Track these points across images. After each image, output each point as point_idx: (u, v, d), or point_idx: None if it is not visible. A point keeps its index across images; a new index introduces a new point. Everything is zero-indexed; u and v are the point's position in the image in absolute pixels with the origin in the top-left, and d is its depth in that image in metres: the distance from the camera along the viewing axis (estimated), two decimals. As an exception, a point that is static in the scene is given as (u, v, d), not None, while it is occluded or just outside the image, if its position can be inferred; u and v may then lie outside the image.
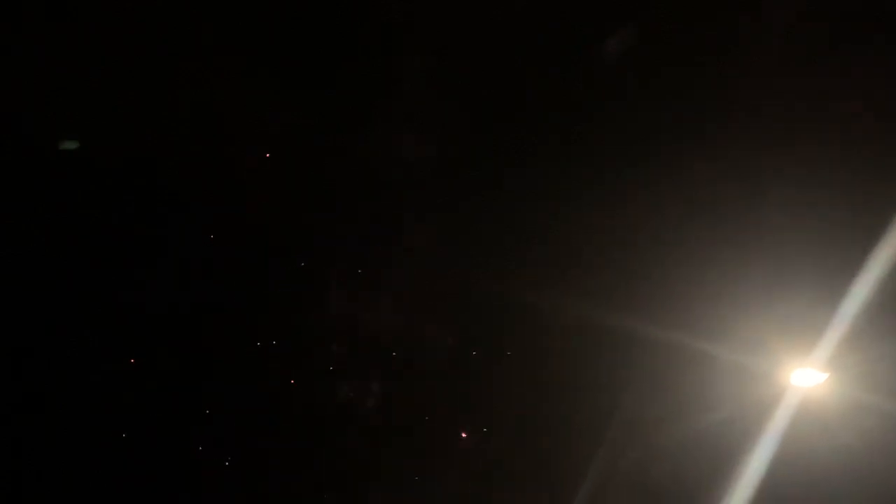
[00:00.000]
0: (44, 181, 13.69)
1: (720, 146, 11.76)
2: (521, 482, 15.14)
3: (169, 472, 14.50)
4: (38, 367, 13.71)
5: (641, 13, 12.01)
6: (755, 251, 11.61)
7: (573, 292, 12.61)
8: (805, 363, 11.79)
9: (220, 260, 13.74)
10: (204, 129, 12.93)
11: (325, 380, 14.58)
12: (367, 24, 13.06)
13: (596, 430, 14.07)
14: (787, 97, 11.78)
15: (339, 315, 14.46)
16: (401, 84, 13.09)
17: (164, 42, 12.57)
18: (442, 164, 13.22)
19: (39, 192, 13.57)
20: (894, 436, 12.12)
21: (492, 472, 14.89)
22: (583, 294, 12.60)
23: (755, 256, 11.63)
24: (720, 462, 12.90)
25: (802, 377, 11.88)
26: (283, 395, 14.44)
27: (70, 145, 13.66)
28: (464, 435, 15.00)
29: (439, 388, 13.97)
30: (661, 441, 13.86)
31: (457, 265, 13.34)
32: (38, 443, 13.57)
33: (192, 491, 14.54)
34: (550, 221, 12.61)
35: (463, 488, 14.44)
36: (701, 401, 12.70)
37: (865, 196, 10.96)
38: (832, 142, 11.14)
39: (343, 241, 13.73)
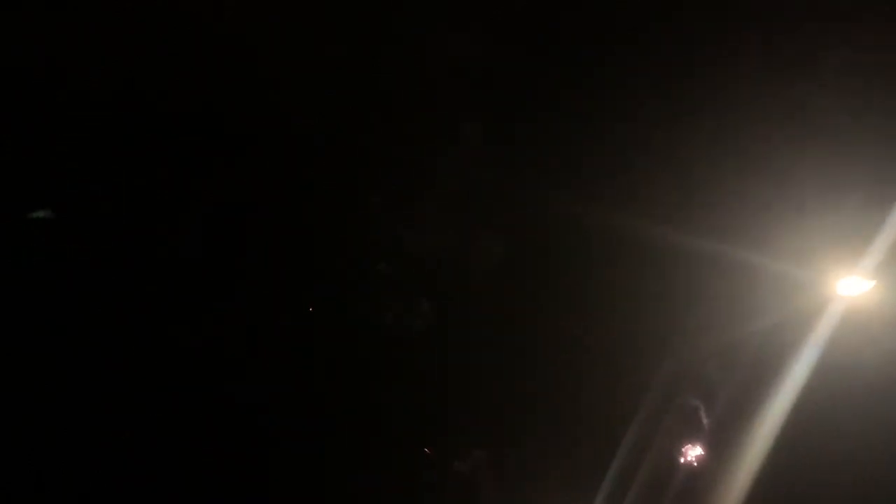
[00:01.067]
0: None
1: (769, 53, 11.50)
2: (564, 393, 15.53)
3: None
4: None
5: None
6: (801, 159, 11.42)
7: (620, 204, 12.63)
8: (851, 271, 11.67)
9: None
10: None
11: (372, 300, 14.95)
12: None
13: (641, 339, 14.25)
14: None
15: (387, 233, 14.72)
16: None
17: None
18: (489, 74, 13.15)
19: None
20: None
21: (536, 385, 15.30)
22: (629, 206, 12.62)
23: (801, 164, 11.45)
24: (764, 371, 13.01)
25: (849, 286, 11.79)
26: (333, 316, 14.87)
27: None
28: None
29: (483, 302, 14.25)
30: (706, 349, 14.00)
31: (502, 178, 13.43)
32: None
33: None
34: (593, 134, 12.57)
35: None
36: (745, 310, 12.74)
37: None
38: (887, 48, 10.80)
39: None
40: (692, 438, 16.55)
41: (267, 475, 14.67)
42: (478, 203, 13.85)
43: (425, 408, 14.98)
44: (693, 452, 16.61)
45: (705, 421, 16.23)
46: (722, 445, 14.72)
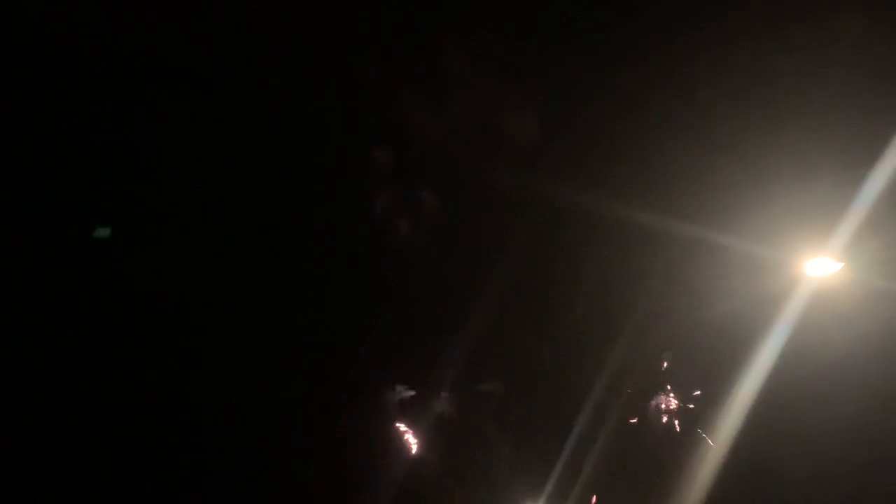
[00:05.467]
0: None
1: (738, 37, 11.37)
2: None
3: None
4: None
5: None
6: (770, 141, 11.36)
7: (587, 187, 12.55)
8: (819, 253, 11.66)
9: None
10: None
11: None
12: None
13: (613, 322, 14.26)
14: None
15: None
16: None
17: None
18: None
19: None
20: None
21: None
22: (596, 189, 12.53)
23: (770, 147, 11.39)
24: (734, 350, 13.05)
25: (817, 267, 11.78)
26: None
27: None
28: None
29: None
30: (676, 331, 14.03)
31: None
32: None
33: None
34: (558, 117, 12.46)
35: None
36: (714, 291, 12.74)
37: (886, 82, 10.59)
38: (853, 27, 10.69)
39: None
40: (662, 418, 16.71)
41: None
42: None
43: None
44: (664, 432, 16.79)
45: (675, 401, 16.36)
46: (692, 425, 14.85)
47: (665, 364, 15.46)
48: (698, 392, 15.04)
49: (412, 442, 18.16)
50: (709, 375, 14.04)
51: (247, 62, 12.73)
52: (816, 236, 11.65)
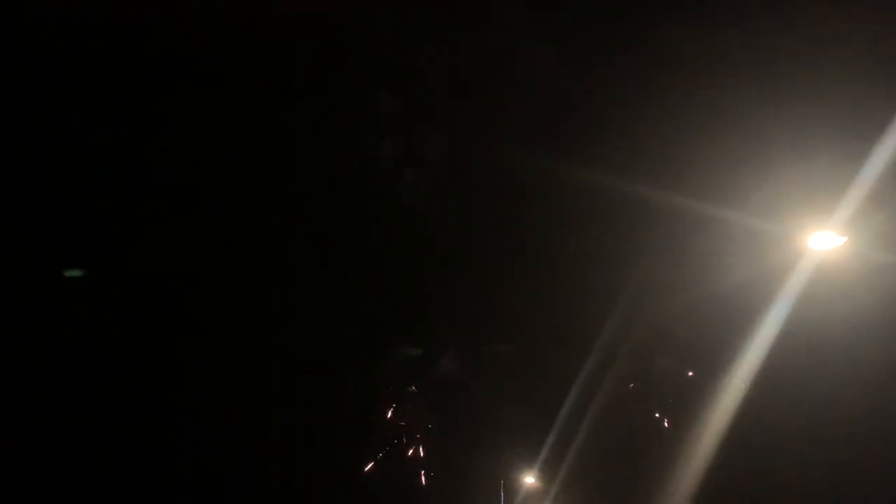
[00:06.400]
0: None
1: (740, 8, 11.23)
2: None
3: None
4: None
5: None
6: (773, 114, 11.26)
7: (591, 163, 12.49)
8: (823, 226, 11.60)
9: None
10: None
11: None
12: None
13: (615, 296, 14.28)
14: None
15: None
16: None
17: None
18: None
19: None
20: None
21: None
22: (600, 164, 12.48)
23: (773, 119, 11.29)
24: (736, 325, 13.06)
25: (820, 240, 11.73)
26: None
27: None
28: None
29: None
30: (679, 306, 14.03)
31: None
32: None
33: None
34: (561, 93, 12.34)
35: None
36: (718, 266, 12.73)
37: (892, 55, 10.46)
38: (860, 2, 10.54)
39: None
40: (665, 392, 16.81)
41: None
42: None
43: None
44: (666, 405, 16.90)
45: (679, 375, 16.43)
46: (693, 397, 14.90)
47: (667, 338, 15.53)
48: (700, 365, 15.12)
49: (414, 404, 18.31)
50: (711, 348, 14.06)
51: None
52: (819, 210, 11.58)
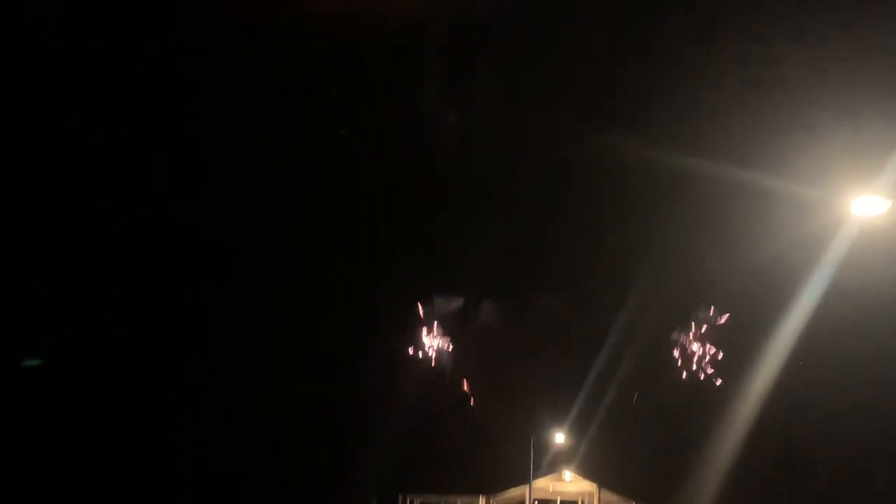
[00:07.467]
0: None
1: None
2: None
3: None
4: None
5: None
6: (818, 79, 11.13)
7: (635, 130, 12.48)
8: (867, 191, 11.42)
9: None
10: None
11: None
12: None
13: (658, 263, 14.24)
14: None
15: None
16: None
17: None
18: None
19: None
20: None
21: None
22: (644, 132, 12.47)
23: (818, 84, 11.17)
24: (780, 291, 12.98)
25: (864, 205, 11.55)
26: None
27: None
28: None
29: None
30: (723, 270, 13.96)
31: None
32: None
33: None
34: (606, 60, 12.31)
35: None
36: (761, 231, 12.64)
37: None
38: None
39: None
40: (709, 355, 16.72)
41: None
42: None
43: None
44: (710, 368, 16.81)
45: (723, 339, 16.33)
46: (739, 362, 14.84)
47: (708, 304, 15.47)
48: (741, 330, 15.03)
49: (450, 354, 18.46)
50: (752, 314, 13.99)
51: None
52: (863, 175, 11.42)
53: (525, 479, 20.67)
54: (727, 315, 14.82)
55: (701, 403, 16.10)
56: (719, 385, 15.46)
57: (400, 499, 21.15)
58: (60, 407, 14.99)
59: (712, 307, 15.28)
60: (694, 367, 16.08)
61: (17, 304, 14.06)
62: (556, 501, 23.32)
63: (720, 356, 15.61)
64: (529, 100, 12.90)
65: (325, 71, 13.71)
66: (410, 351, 18.71)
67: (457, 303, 17.25)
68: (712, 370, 15.74)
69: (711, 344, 15.77)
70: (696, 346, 15.96)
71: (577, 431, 20.88)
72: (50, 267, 14.67)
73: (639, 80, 12.74)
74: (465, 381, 19.04)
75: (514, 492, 21.59)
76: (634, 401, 16.85)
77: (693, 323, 15.58)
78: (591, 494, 21.32)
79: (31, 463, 14.38)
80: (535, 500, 21.64)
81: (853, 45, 10.33)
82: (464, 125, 13.85)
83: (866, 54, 10.23)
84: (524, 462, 20.24)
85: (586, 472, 20.80)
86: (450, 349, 18.14)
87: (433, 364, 18.49)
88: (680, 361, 16.07)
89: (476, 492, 20.99)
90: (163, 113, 14.67)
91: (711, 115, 12.20)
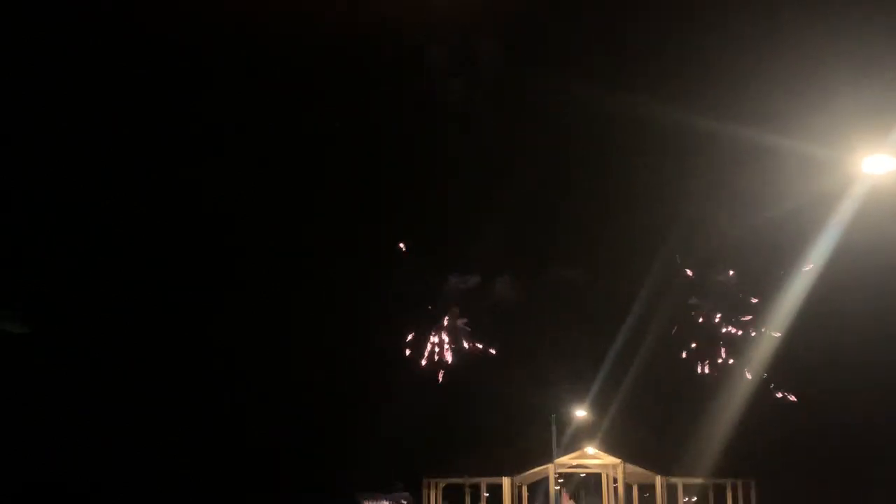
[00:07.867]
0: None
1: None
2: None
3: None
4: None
5: None
6: (828, 37, 11.30)
7: (643, 90, 12.69)
8: (877, 150, 11.55)
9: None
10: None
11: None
12: None
13: (665, 223, 14.43)
14: None
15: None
16: None
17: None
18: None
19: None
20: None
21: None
22: (654, 92, 12.68)
23: (828, 42, 11.34)
24: (790, 250, 13.13)
25: (874, 164, 11.67)
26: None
27: None
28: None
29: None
30: (734, 229, 14.12)
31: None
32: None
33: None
34: (618, 21, 12.56)
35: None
36: (772, 190, 12.80)
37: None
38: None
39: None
40: (720, 312, 16.81)
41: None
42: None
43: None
44: (720, 325, 16.88)
45: (732, 296, 16.43)
46: (749, 318, 14.97)
47: (721, 266, 15.60)
48: (753, 291, 15.17)
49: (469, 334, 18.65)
50: (765, 272, 14.14)
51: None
52: (874, 134, 11.54)
53: (548, 457, 20.84)
54: (742, 276, 14.96)
55: (718, 376, 16.25)
56: (734, 339, 15.59)
57: (424, 482, 21.46)
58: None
59: (731, 271, 15.42)
60: (709, 340, 16.22)
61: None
62: (580, 475, 23.48)
63: (734, 314, 15.74)
64: (541, 64, 13.17)
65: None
66: (431, 334, 18.93)
67: (474, 280, 17.49)
68: (727, 341, 15.88)
69: (731, 309, 15.91)
70: (717, 316, 16.10)
71: (600, 407, 21.00)
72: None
73: (651, 44, 12.95)
74: (484, 357, 19.27)
75: (538, 469, 21.79)
76: (657, 374, 16.96)
77: (712, 289, 15.73)
78: (614, 467, 21.47)
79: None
80: (558, 473, 21.84)
81: (866, 4, 10.50)
82: (472, 92, 14.19)
83: (879, 13, 10.39)
84: (546, 438, 20.40)
85: (610, 447, 20.94)
86: (468, 328, 18.37)
87: (452, 344, 18.74)
88: (695, 333, 16.21)
89: (500, 473, 21.21)
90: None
91: (723, 76, 12.40)
